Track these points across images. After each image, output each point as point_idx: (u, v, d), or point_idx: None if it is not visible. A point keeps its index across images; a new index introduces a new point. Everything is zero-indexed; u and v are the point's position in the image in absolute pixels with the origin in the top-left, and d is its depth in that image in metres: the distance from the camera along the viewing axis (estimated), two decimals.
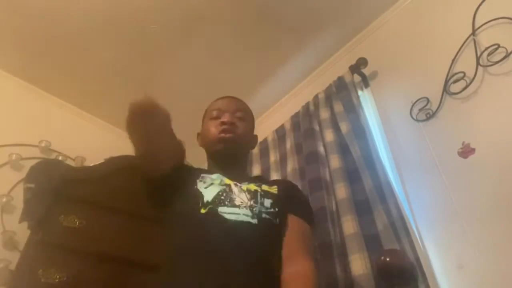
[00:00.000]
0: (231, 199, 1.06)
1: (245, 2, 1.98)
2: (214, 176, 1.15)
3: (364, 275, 1.35)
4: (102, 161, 1.99)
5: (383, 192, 1.50)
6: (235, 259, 0.94)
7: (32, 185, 1.75)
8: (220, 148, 1.20)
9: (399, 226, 1.40)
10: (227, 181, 1.13)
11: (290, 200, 1.14)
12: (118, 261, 1.70)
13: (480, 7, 1.56)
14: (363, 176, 1.58)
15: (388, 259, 1.33)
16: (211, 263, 0.94)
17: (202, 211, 1.03)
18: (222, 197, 1.06)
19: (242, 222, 1.01)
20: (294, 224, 1.08)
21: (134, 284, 1.68)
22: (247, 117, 1.30)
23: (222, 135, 1.19)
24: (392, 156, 1.69)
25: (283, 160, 2.00)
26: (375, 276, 1.35)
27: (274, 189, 1.15)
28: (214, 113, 1.26)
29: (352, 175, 1.62)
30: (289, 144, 2.01)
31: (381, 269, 1.34)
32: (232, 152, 1.21)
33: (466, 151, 1.44)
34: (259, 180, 1.23)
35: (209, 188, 1.09)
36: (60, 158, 2.19)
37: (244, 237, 0.99)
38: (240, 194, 1.08)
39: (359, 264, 1.37)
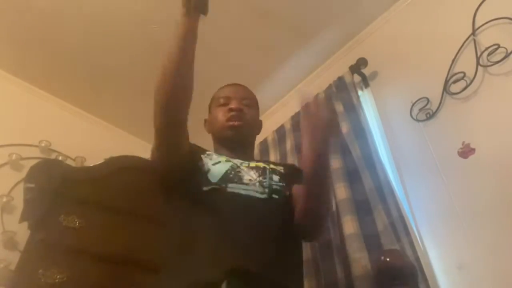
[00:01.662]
0: (240, 177, 1.08)
1: (245, 2, 1.98)
2: (222, 156, 1.16)
3: (364, 275, 1.35)
4: (102, 161, 1.99)
5: (383, 192, 1.50)
6: (246, 234, 0.96)
7: (32, 185, 1.74)
8: (229, 135, 1.21)
9: (399, 226, 1.41)
10: (235, 160, 1.15)
11: (293, 176, 1.17)
12: (118, 261, 1.70)
13: (480, 7, 1.56)
14: (363, 176, 1.58)
15: (388, 259, 1.33)
16: (222, 241, 0.94)
17: (205, 188, 1.03)
18: (231, 175, 1.07)
19: (250, 197, 1.03)
20: (298, 188, 1.12)
21: (134, 284, 1.68)
22: (254, 104, 1.31)
23: (231, 122, 1.20)
24: (392, 156, 1.69)
25: (283, 160, 2.00)
26: (375, 276, 1.35)
27: (280, 168, 1.20)
28: (222, 100, 1.26)
29: (352, 175, 1.62)
30: (289, 144, 2.01)
31: (381, 269, 1.33)
32: (240, 138, 1.23)
33: (466, 151, 1.44)
34: (266, 160, 1.27)
35: (216, 165, 1.10)
36: (60, 158, 2.19)
37: (254, 212, 1.01)
38: (249, 171, 1.11)
39: (359, 264, 1.37)
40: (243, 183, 1.06)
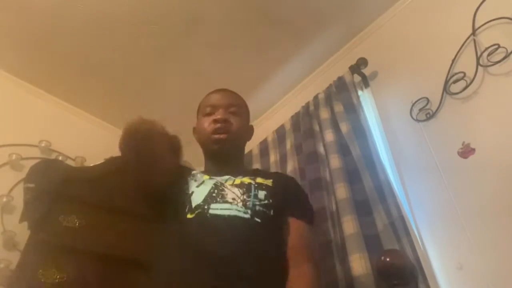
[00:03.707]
0: (223, 196, 1.06)
1: (245, 2, 1.98)
2: (205, 175, 1.16)
3: (364, 275, 1.35)
4: (102, 161, 1.99)
5: (383, 192, 1.50)
6: (227, 255, 0.94)
7: (32, 185, 1.74)
8: (215, 148, 1.20)
9: (399, 226, 1.40)
10: (219, 179, 1.13)
11: (287, 200, 1.13)
12: (118, 261, 1.70)
13: (480, 7, 1.56)
14: (363, 176, 1.58)
15: (388, 259, 1.33)
16: (200, 265, 0.93)
17: (189, 216, 1.02)
18: (214, 194, 1.06)
19: (233, 217, 1.01)
20: (293, 226, 1.08)
21: (134, 284, 1.68)
22: (241, 111, 1.29)
23: (216, 136, 1.19)
24: (392, 156, 1.69)
25: (283, 160, 2.00)
26: (375, 276, 1.35)
27: (269, 182, 1.14)
28: (208, 110, 1.25)
29: (352, 175, 1.62)
30: (289, 144, 2.01)
31: (381, 269, 1.34)
32: (226, 151, 1.21)
33: (466, 151, 1.44)
34: (255, 173, 1.22)
35: (200, 187, 1.10)
36: (60, 158, 2.19)
37: (236, 232, 0.99)
38: (233, 189, 1.08)
39: (359, 264, 1.37)
40: (226, 202, 1.04)
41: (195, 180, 1.12)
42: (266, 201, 1.07)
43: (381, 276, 1.33)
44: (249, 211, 1.02)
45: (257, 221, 1.02)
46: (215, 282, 0.90)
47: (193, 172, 1.17)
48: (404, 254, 1.35)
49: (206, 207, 1.03)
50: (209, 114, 1.24)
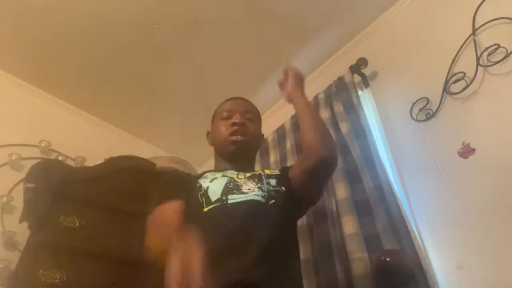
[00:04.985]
0: (238, 187, 1.10)
1: (245, 2, 1.98)
2: (215, 173, 1.19)
3: (364, 275, 1.35)
4: (102, 161, 1.99)
5: (383, 192, 1.50)
6: (247, 241, 0.97)
7: (32, 185, 1.74)
8: (232, 150, 1.25)
9: (399, 226, 1.40)
10: (230, 174, 1.17)
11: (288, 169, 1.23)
12: (118, 261, 1.70)
13: (480, 7, 1.57)
14: (363, 176, 1.58)
15: (388, 259, 1.33)
16: (224, 253, 0.95)
17: (207, 209, 1.05)
18: (231, 186, 1.10)
19: (251, 201, 1.06)
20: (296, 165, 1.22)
21: (134, 284, 1.68)
22: (256, 118, 1.35)
23: (234, 138, 1.23)
24: (392, 156, 1.69)
25: (283, 160, 2.00)
26: (375, 276, 1.35)
27: (276, 171, 1.24)
28: (225, 114, 1.30)
29: (352, 175, 1.62)
30: (289, 144, 2.01)
31: (381, 269, 1.34)
32: (243, 152, 1.26)
33: (466, 151, 1.44)
34: (263, 169, 1.30)
35: (214, 181, 1.13)
36: (60, 158, 2.19)
37: (255, 215, 1.03)
38: (246, 182, 1.14)
39: (359, 264, 1.37)
40: (242, 193, 1.09)
41: (207, 178, 1.16)
42: (277, 187, 1.14)
43: (381, 276, 1.33)
44: (265, 195, 1.09)
45: (272, 203, 1.08)
46: (239, 263, 0.93)
47: (203, 175, 1.19)
48: (404, 254, 1.34)
49: (224, 198, 1.07)
50: (226, 118, 1.28)
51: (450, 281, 1.33)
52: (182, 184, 1.18)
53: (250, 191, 1.09)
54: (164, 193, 1.14)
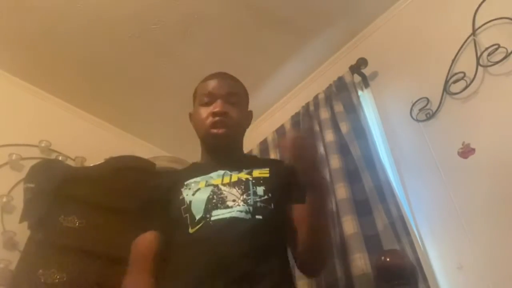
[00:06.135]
0: (223, 200, 1.02)
1: (245, 2, 1.98)
2: (199, 178, 1.11)
3: (364, 275, 1.35)
4: (102, 161, 1.99)
5: (383, 192, 1.50)
6: (232, 256, 0.93)
7: (32, 185, 1.74)
8: (213, 143, 1.16)
9: (399, 226, 1.40)
10: (214, 181, 1.09)
11: (285, 190, 1.08)
12: (118, 261, 1.69)
13: (480, 7, 1.57)
14: (363, 176, 1.58)
15: (388, 259, 1.33)
16: (208, 269, 0.93)
17: (192, 230, 0.99)
18: (214, 201, 1.02)
19: (233, 219, 0.98)
20: (298, 212, 1.06)
21: None
22: (240, 99, 1.22)
23: (215, 130, 1.13)
24: (392, 156, 1.69)
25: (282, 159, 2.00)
26: (375, 276, 1.35)
27: (265, 172, 1.11)
28: (205, 99, 1.18)
29: (352, 175, 1.62)
30: None
31: (381, 269, 1.34)
32: (225, 145, 1.16)
33: (466, 151, 1.44)
34: (252, 163, 1.17)
35: (196, 194, 1.05)
36: (60, 158, 2.19)
37: (237, 232, 0.97)
38: (231, 190, 1.05)
39: (359, 264, 1.37)
40: (227, 207, 1.01)
41: (190, 188, 1.08)
42: (265, 196, 1.04)
43: (381, 276, 1.33)
44: (250, 208, 1.00)
45: (259, 219, 1.00)
46: (224, 283, 0.90)
47: (185, 182, 1.11)
48: (404, 254, 1.34)
49: (208, 215, 1.00)
50: (206, 104, 1.17)
51: (450, 281, 1.33)
52: (163, 197, 1.10)
53: (235, 204, 1.01)
54: (140, 223, 1.10)
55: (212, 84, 1.21)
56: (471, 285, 1.29)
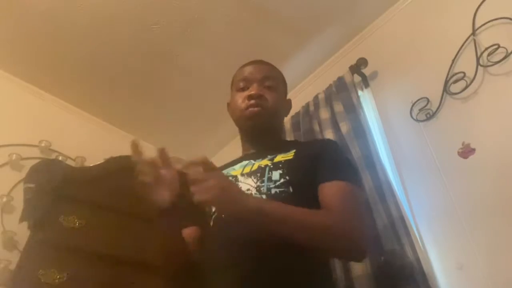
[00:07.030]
0: None
1: (245, 2, 1.98)
2: (224, 171, 1.10)
3: (364, 275, 1.35)
4: (102, 161, 1.99)
5: (383, 192, 1.50)
6: (245, 247, 0.90)
7: (32, 185, 1.75)
8: (249, 124, 1.13)
9: (399, 226, 1.40)
10: (234, 172, 1.08)
11: (309, 169, 1.01)
12: (118, 261, 1.70)
13: (480, 7, 1.56)
14: (363, 176, 1.58)
15: (388, 259, 1.33)
16: (224, 264, 0.92)
17: (211, 225, 1.03)
18: None
19: None
20: (323, 192, 0.96)
21: (134, 284, 1.68)
22: (277, 84, 1.19)
23: (250, 110, 1.10)
24: (392, 156, 1.69)
25: None
26: (375, 276, 1.35)
27: (289, 155, 1.05)
28: (241, 84, 1.17)
29: None
30: None
31: (381, 269, 1.34)
32: (262, 127, 1.12)
33: (466, 151, 1.44)
34: (285, 148, 1.10)
35: None
36: (60, 158, 2.19)
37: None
38: (247, 180, 1.02)
39: (359, 264, 1.37)
40: None
41: None
42: (282, 180, 0.98)
43: (381, 276, 1.33)
44: (263, 197, 0.96)
45: None
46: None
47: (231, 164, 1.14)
48: (404, 254, 1.34)
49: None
50: (242, 89, 1.16)
51: (450, 281, 1.33)
52: None
53: (249, 192, 0.99)
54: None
55: (248, 69, 1.21)
56: (471, 285, 1.29)
